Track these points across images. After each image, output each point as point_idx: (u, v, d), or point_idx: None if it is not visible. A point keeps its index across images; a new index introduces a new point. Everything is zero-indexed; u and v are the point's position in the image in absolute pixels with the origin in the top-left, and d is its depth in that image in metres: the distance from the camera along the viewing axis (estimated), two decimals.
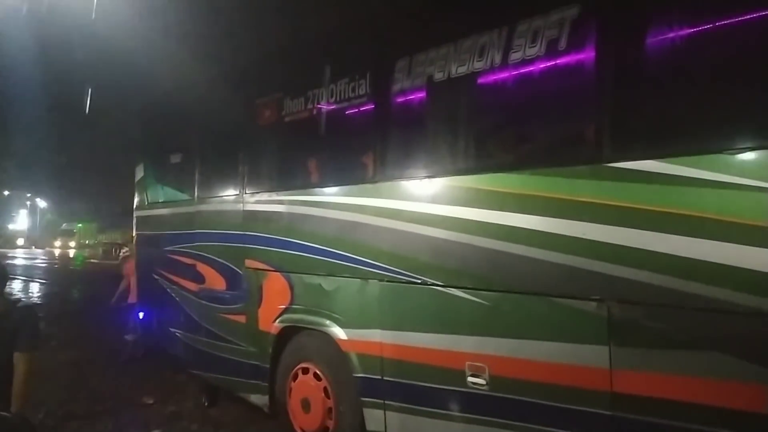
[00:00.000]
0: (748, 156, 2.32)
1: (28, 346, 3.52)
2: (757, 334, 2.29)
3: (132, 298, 8.04)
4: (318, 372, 4.36)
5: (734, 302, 2.30)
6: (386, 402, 3.78)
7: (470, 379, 3.26)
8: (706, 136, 2.48)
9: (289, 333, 4.64)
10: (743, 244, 2.27)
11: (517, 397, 3.06)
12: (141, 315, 7.51)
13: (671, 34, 2.62)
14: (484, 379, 3.20)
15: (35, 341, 3.65)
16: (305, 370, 4.46)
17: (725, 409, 2.35)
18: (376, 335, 3.82)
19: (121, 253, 10.36)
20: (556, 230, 2.86)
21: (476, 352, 3.25)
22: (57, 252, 44.82)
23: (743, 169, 2.31)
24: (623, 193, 2.63)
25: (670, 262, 2.46)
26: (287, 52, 4.89)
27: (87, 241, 51.13)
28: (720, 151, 2.37)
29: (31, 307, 4.20)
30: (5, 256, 30.93)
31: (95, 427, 5.10)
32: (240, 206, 5.22)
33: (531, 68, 3.07)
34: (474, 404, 3.26)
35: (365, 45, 4.15)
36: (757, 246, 2.24)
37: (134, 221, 7.67)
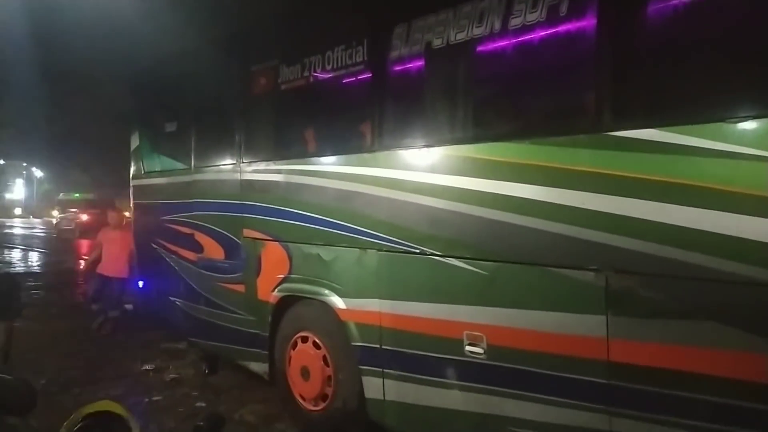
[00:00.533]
0: (750, 125, 2.29)
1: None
2: (755, 303, 2.30)
3: (107, 270, 7.73)
4: (317, 341, 4.39)
5: (733, 272, 2.30)
6: (385, 370, 3.81)
7: (468, 348, 3.28)
8: (708, 104, 2.45)
9: (287, 302, 4.66)
10: (743, 214, 2.26)
11: (514, 366, 3.09)
12: (141, 284, 7.52)
13: (674, 1, 2.57)
14: (482, 348, 3.22)
15: (9, 310, 3.59)
16: (304, 339, 4.50)
17: (721, 378, 2.37)
18: (374, 304, 3.84)
19: (56, 217, 10.27)
20: (555, 200, 2.84)
21: (474, 322, 3.26)
22: (55, 221, 44.79)
23: (745, 138, 2.29)
24: (623, 163, 2.60)
25: (669, 232, 2.45)
26: (283, 18, 4.79)
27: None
28: (722, 120, 2.34)
29: (6, 275, 4.16)
30: (3, 225, 31.01)
31: (96, 393, 5.14)
32: (237, 176, 5.19)
33: (531, 34, 3.02)
34: (472, 373, 3.29)
35: (362, 11, 4.06)
36: (756, 216, 2.23)
37: (131, 190, 7.64)
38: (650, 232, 2.51)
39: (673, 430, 2.51)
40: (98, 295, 7.76)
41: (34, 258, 18.46)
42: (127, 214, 8.91)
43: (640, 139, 2.55)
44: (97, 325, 7.57)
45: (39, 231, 33.73)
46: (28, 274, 13.72)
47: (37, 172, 64.83)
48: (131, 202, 7.77)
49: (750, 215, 2.25)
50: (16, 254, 19.06)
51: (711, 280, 2.37)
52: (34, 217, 52.26)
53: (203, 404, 5.07)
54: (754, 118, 2.27)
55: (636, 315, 2.63)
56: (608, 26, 2.70)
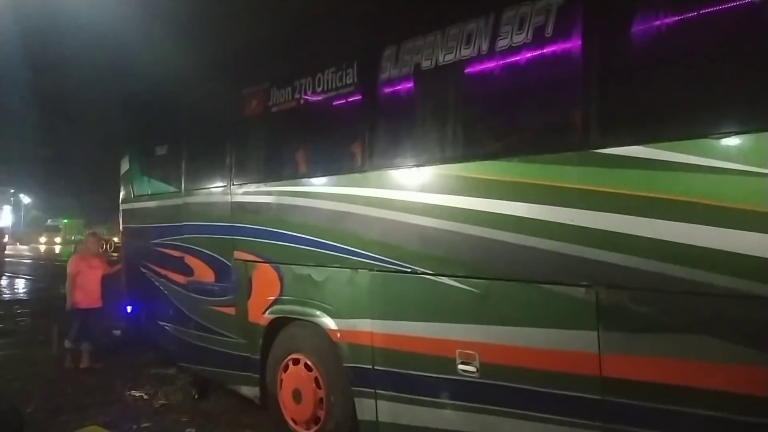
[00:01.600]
0: (734, 140, 2.34)
1: None
2: (745, 316, 2.32)
3: (86, 302, 6.98)
4: (309, 363, 4.35)
5: (722, 286, 2.32)
6: (377, 391, 3.78)
7: (461, 366, 3.27)
8: (693, 121, 2.50)
9: (279, 324, 4.63)
10: (729, 228, 2.29)
11: (507, 384, 3.08)
12: (129, 309, 7.42)
13: (657, 21, 2.63)
14: (475, 367, 3.21)
15: None
16: (296, 361, 4.46)
17: (713, 391, 2.38)
18: (366, 325, 3.82)
19: None
20: (544, 217, 2.87)
21: (466, 340, 3.26)
22: (43, 248, 44.37)
23: (729, 154, 2.33)
24: (611, 179, 2.64)
25: (658, 247, 2.47)
26: (273, 41, 4.85)
27: (73, 237, 50.65)
28: (706, 136, 2.39)
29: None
30: None
31: (85, 421, 5.06)
32: (228, 198, 5.18)
33: (518, 55, 3.07)
34: (465, 391, 3.28)
35: (352, 34, 4.12)
36: (743, 229, 2.26)
37: (120, 214, 7.60)
38: (640, 247, 2.53)
39: None
40: (83, 332, 6.97)
41: (21, 285, 18.21)
42: (116, 239, 8.75)
43: (626, 156, 2.59)
44: (71, 362, 6.92)
45: (26, 258, 33.30)
46: (15, 302, 13.54)
47: (25, 198, 64.36)
48: (120, 226, 7.73)
49: (737, 229, 2.28)
50: (2, 282, 18.79)
51: (701, 294, 2.39)
52: (21, 244, 51.69)
53: (193, 430, 4.99)
54: (737, 133, 2.33)
55: (627, 330, 2.64)
56: (593, 46, 2.75)
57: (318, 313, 4.18)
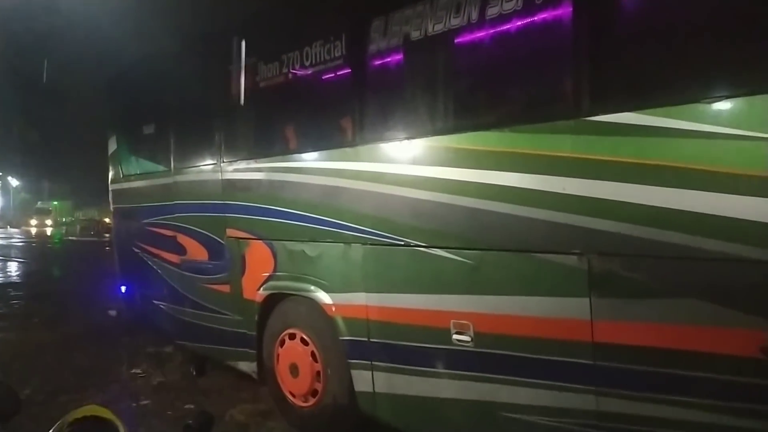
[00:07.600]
0: (725, 105, 2.33)
1: None
2: (735, 280, 2.34)
3: None
4: (305, 337, 4.38)
5: (712, 250, 2.34)
6: (373, 363, 3.82)
7: (455, 336, 3.30)
8: (683, 85, 2.49)
9: (274, 300, 4.64)
10: (721, 193, 2.30)
11: (501, 352, 3.11)
12: (123, 289, 7.42)
13: None
14: (469, 336, 3.24)
15: None
16: (292, 336, 4.49)
17: (704, 353, 2.41)
18: (361, 298, 3.84)
19: None
20: (536, 186, 2.87)
21: (461, 310, 3.28)
22: (34, 231, 44.16)
23: (721, 118, 2.33)
24: (602, 147, 2.64)
25: (649, 213, 2.48)
26: (259, 15, 4.77)
27: (64, 219, 50.52)
28: (697, 101, 2.38)
29: None
30: None
31: (84, 401, 5.07)
32: (218, 176, 5.15)
33: (508, 23, 3.03)
34: (460, 361, 3.31)
35: (339, 5, 4.06)
36: (734, 194, 2.27)
37: (110, 195, 7.55)
38: (631, 214, 2.54)
39: (657, 406, 2.55)
40: None
41: (14, 268, 18.16)
42: (107, 219, 8.57)
43: (617, 123, 2.58)
44: None
45: (17, 240, 33.15)
46: (9, 285, 13.51)
47: (14, 182, 63.78)
48: (111, 206, 7.69)
49: (728, 193, 2.28)
50: None
51: (691, 259, 2.41)
52: (11, 227, 51.42)
53: (192, 406, 5.03)
54: (728, 97, 2.31)
55: (618, 296, 2.67)
56: (584, 12, 2.72)
57: (312, 288, 4.20)
